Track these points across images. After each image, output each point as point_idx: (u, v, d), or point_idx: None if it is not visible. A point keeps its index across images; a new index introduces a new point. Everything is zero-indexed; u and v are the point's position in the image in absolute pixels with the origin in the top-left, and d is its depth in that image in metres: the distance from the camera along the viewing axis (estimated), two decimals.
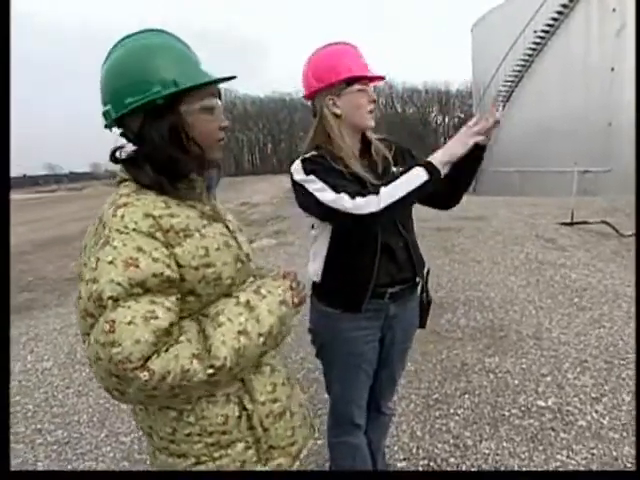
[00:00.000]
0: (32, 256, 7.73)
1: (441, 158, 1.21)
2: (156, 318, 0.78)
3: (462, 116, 51.67)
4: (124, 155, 0.94)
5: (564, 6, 13.19)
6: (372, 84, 1.37)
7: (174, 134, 0.89)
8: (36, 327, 4.33)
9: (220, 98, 0.97)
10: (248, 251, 1.04)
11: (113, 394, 0.81)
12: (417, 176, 1.18)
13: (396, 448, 2.09)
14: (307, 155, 1.33)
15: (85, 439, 2.46)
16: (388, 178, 1.23)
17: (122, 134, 0.94)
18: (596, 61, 12.83)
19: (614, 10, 12.33)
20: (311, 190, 1.23)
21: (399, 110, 54.39)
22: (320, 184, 1.22)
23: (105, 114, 0.91)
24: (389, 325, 1.47)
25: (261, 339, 0.89)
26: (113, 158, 0.94)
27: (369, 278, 1.34)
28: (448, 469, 1.94)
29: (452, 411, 2.37)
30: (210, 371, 0.82)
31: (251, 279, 1.03)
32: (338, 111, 1.33)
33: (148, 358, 0.77)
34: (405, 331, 1.53)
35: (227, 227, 1.00)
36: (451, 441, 2.13)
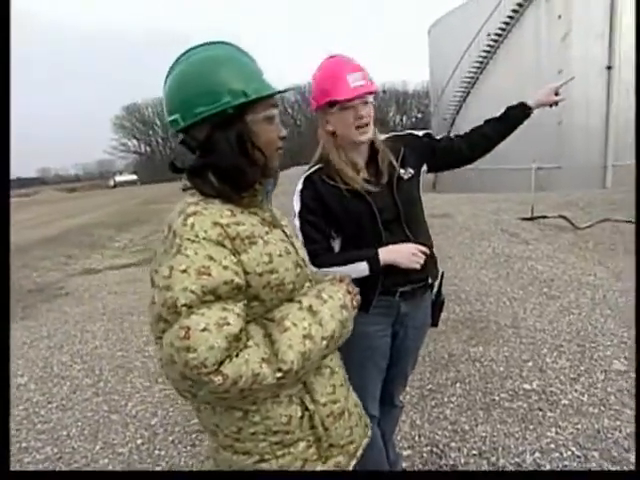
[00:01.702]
0: None
1: (387, 258, 1.38)
2: (228, 325, 0.81)
3: (419, 116, 53.09)
4: (186, 165, 0.95)
5: (515, 11, 13.87)
6: (357, 101, 1.37)
7: (241, 143, 0.93)
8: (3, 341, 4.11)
9: (277, 108, 1.00)
10: (304, 256, 1.08)
11: (184, 395, 0.84)
12: (360, 269, 1.38)
13: (399, 438, 2.18)
14: (310, 171, 1.45)
15: (79, 453, 2.38)
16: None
17: (182, 142, 0.95)
18: (545, 64, 13.57)
19: (559, 17, 13.10)
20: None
21: None
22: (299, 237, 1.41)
23: (172, 123, 0.93)
24: (401, 322, 1.54)
25: (324, 342, 0.92)
26: (172, 167, 0.96)
27: (375, 280, 1.42)
28: (451, 454, 2.05)
29: (446, 399, 2.49)
30: (279, 374, 0.85)
31: (308, 284, 1.06)
32: (331, 128, 1.42)
33: (221, 363, 0.80)
34: (417, 329, 1.60)
35: (285, 233, 1.03)
36: (449, 427, 2.24)
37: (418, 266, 1.39)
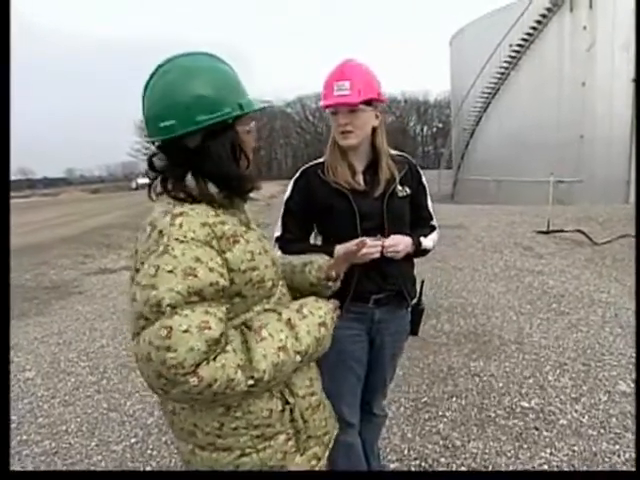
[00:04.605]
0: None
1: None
2: (209, 329, 0.83)
3: (440, 126, 52.76)
4: (158, 168, 0.99)
5: (538, 22, 13.73)
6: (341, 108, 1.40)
7: (233, 151, 0.97)
8: (16, 336, 4.22)
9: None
10: (274, 256, 1.11)
11: (157, 391, 0.86)
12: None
13: (388, 450, 2.15)
14: (311, 163, 1.54)
15: (75, 449, 2.43)
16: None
17: (162, 147, 0.98)
18: (568, 76, 13.37)
19: (585, 28, 12.91)
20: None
21: None
22: (279, 223, 1.53)
23: (165, 129, 0.93)
24: (377, 329, 1.54)
25: (298, 357, 0.95)
26: (151, 165, 1.00)
27: (348, 286, 1.41)
28: (439, 469, 2.01)
29: (440, 413, 2.45)
30: (250, 382, 0.87)
31: (282, 281, 1.09)
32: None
33: (198, 365, 0.81)
34: (393, 336, 1.59)
35: (258, 233, 1.07)
36: (441, 442, 2.20)
37: (371, 256, 1.35)
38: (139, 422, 2.64)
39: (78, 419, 2.73)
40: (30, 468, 2.31)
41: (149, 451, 2.35)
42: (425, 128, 57.89)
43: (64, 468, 2.28)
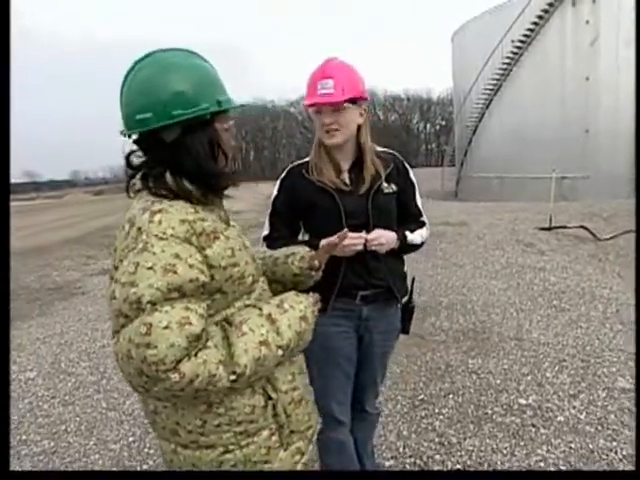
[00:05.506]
0: (12, 265, 7.57)
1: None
2: (190, 324, 0.83)
3: (443, 124, 52.56)
4: (137, 163, 0.99)
5: (540, 17, 13.61)
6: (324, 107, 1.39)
7: (211, 148, 0.97)
8: (19, 337, 4.25)
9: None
10: (254, 252, 1.11)
11: (137, 389, 0.86)
12: None
13: (384, 447, 2.15)
14: (297, 163, 1.55)
15: (73, 448, 2.44)
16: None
17: (138, 141, 0.98)
18: (571, 70, 13.25)
19: (587, 22, 12.79)
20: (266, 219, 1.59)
21: (381, 117, 54.97)
22: (266, 222, 1.57)
23: (140, 121, 0.92)
24: (365, 327, 1.53)
25: (280, 351, 0.95)
26: (128, 163, 1.00)
27: (335, 280, 1.43)
28: (434, 466, 2.00)
29: (437, 411, 2.44)
30: (232, 377, 0.87)
31: (263, 277, 1.10)
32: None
33: (179, 361, 0.81)
34: (383, 335, 1.57)
35: (237, 230, 1.07)
36: (436, 439, 2.19)
37: (354, 248, 1.35)
38: (137, 421, 2.64)
39: (77, 418, 2.74)
40: (28, 467, 2.32)
41: (146, 450, 2.36)
42: (428, 126, 57.68)
43: (62, 467, 2.30)
